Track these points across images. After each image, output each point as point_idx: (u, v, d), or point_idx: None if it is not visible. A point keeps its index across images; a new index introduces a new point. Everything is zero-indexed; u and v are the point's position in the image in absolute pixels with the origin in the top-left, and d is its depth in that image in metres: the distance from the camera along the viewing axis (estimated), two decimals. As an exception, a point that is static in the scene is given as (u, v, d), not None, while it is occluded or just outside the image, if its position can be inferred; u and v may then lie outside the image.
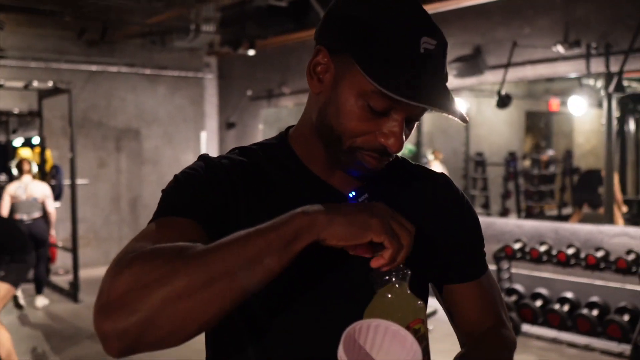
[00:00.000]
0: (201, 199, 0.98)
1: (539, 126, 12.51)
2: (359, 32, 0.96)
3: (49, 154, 8.35)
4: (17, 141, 9.03)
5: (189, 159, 10.24)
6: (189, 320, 0.80)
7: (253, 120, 9.95)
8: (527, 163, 10.80)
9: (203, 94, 10.46)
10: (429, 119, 9.59)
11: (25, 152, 8.74)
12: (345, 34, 0.98)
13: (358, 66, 0.93)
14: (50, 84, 7.16)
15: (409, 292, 0.88)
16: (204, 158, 1.07)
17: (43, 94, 8.00)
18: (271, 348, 1.02)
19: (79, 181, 8.23)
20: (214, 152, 10.55)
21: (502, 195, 10.04)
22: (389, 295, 0.87)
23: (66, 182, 7.96)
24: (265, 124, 10.02)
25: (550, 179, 10.36)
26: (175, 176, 1.04)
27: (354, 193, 1.07)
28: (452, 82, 6.94)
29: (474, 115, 9.24)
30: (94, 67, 9.10)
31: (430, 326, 4.66)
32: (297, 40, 8.77)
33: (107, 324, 0.79)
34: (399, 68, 0.93)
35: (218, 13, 8.91)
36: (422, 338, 0.85)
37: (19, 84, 7.15)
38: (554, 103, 11.15)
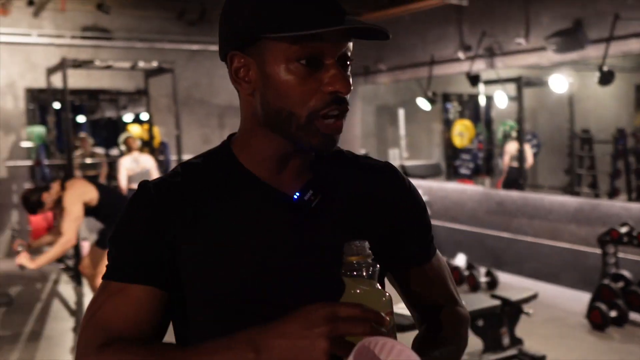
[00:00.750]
0: (145, 258, 1.02)
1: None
2: (256, 12, 0.97)
3: (156, 130, 8.69)
4: (127, 117, 9.43)
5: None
6: None
7: (351, 97, 9.89)
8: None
9: (302, 70, 10.54)
10: (531, 95, 9.26)
11: (134, 129, 9.15)
12: (244, 23, 0.99)
13: (270, 36, 0.96)
14: (154, 64, 7.40)
15: (377, 286, 0.90)
16: (140, 192, 1.07)
17: (149, 73, 8.30)
18: None
19: (185, 157, 8.52)
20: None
21: (611, 175, 9.59)
22: (358, 291, 0.88)
23: (173, 157, 8.25)
24: (364, 100, 10.00)
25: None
26: (114, 234, 1.07)
27: (298, 194, 1.07)
28: (552, 57, 6.68)
29: (577, 90, 8.84)
30: (195, 47, 9.34)
31: (530, 310, 4.56)
32: (393, 15, 8.64)
33: None
34: (300, 12, 0.94)
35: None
36: (392, 329, 0.87)
37: (126, 64, 7.44)
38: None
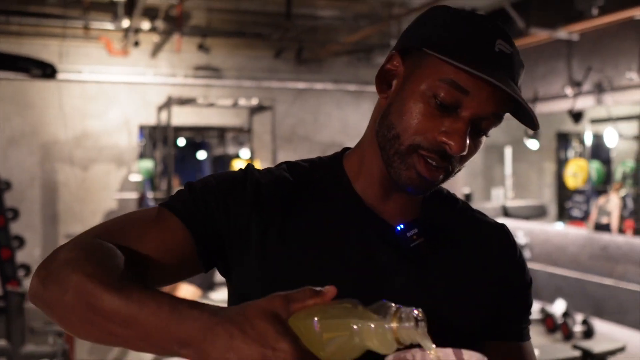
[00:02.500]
0: (207, 212, 0.97)
1: None
2: (436, 29, 0.96)
3: (257, 165, 8.94)
4: (242, 153, 9.76)
5: (391, 173, 10.32)
6: (75, 330, 0.83)
7: (456, 135, 9.78)
8: None
9: (407, 108, 10.51)
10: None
11: (237, 164, 9.47)
12: (421, 32, 0.97)
13: (432, 52, 0.92)
14: (254, 101, 7.65)
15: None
16: (246, 170, 1.04)
17: (253, 111, 8.58)
18: None
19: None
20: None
21: None
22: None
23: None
24: (471, 138, 9.80)
25: None
26: (203, 178, 1.03)
27: (402, 226, 1.00)
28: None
29: None
30: (301, 85, 9.56)
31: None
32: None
33: (34, 278, 0.86)
34: (473, 57, 0.90)
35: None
36: None
37: (228, 101, 7.74)
38: None
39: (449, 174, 0.96)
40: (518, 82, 0.96)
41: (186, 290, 4.91)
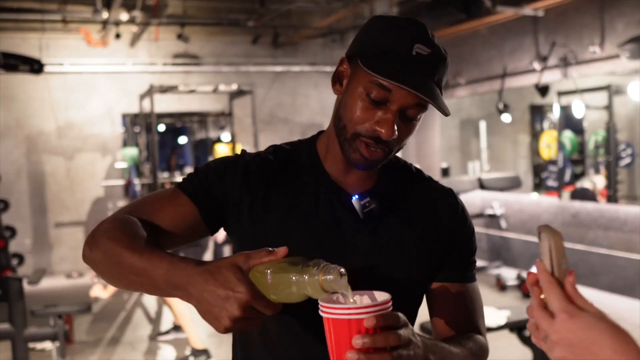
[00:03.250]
0: (208, 189, 1.26)
1: None
2: (366, 40, 1.20)
3: (239, 148, 9.17)
4: (223, 137, 10.00)
5: (370, 152, 10.57)
6: (110, 279, 1.18)
7: (430, 110, 9.99)
8: None
9: (383, 87, 10.74)
10: (629, 104, 8.98)
11: (220, 148, 9.67)
12: (357, 42, 1.22)
13: (360, 63, 1.15)
14: (234, 86, 7.86)
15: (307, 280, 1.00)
16: (239, 155, 1.32)
17: (232, 96, 8.78)
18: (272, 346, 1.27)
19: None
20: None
21: None
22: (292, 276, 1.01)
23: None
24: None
25: None
26: (206, 163, 1.32)
27: (357, 196, 1.25)
28: (626, 65, 6.53)
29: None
30: (279, 68, 9.77)
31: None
32: (469, 30, 8.71)
33: (85, 244, 1.19)
34: (392, 62, 1.13)
35: (393, 8, 9.11)
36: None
37: (209, 87, 7.94)
38: None
39: (387, 153, 1.20)
40: (439, 75, 1.16)
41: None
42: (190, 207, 1.24)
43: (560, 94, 8.40)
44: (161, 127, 12.51)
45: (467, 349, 1.22)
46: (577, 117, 8.67)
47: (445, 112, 1.15)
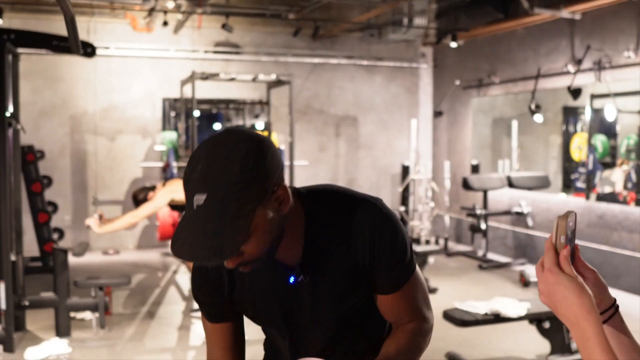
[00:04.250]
0: (215, 305, 1.51)
1: None
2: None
3: (274, 137, 9.41)
4: (258, 125, 10.26)
5: (402, 145, 10.76)
6: None
7: (464, 108, 10.17)
8: None
9: (418, 83, 10.90)
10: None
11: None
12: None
13: None
14: (273, 76, 8.09)
15: None
16: (203, 270, 1.51)
17: (270, 85, 9.02)
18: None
19: (299, 162, 9.17)
20: (427, 139, 10.96)
21: None
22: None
23: (286, 162, 8.90)
24: (480, 112, 10.17)
25: None
26: (192, 289, 1.53)
27: (292, 278, 1.43)
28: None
29: None
30: (316, 60, 9.99)
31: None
32: (506, 29, 8.84)
33: None
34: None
35: (432, 5, 9.28)
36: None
37: (248, 76, 8.18)
38: None
39: (246, 262, 1.28)
40: (214, 218, 1.17)
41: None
42: (225, 325, 1.53)
43: (594, 96, 8.47)
44: (196, 113, 12.79)
45: (403, 349, 1.44)
46: (609, 120, 8.74)
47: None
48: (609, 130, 10.01)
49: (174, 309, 6.36)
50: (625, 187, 8.67)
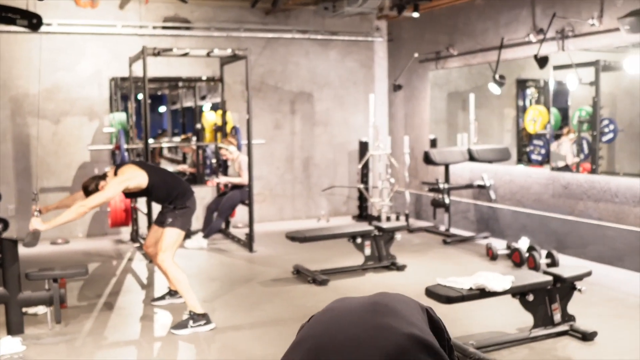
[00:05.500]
0: None
1: None
2: None
3: (229, 116, 9.08)
4: (206, 106, 9.91)
5: (358, 121, 10.57)
6: None
7: (421, 82, 10.03)
8: None
9: (373, 57, 10.70)
10: (610, 80, 9.07)
11: (210, 115, 9.57)
12: None
13: None
14: (229, 51, 7.75)
15: None
16: None
17: (224, 61, 8.67)
18: None
19: (256, 141, 8.88)
20: (383, 114, 10.80)
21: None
22: None
23: (244, 141, 8.59)
24: (435, 86, 10.05)
25: None
26: None
27: None
28: (625, 38, 6.57)
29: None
30: (270, 35, 9.68)
31: (583, 287, 4.60)
32: (465, 1, 8.70)
33: None
34: None
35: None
36: None
37: (203, 51, 7.82)
38: None
39: None
40: None
41: (171, 232, 5.13)
42: None
43: (555, 67, 8.41)
44: (140, 96, 12.32)
45: None
46: (571, 89, 8.71)
47: None
48: (559, 104, 10.04)
49: (133, 298, 6.04)
50: (577, 156, 8.72)
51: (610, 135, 9.46)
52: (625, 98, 9.87)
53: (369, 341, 1.39)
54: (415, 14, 8.64)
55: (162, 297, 5.78)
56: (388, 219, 9.18)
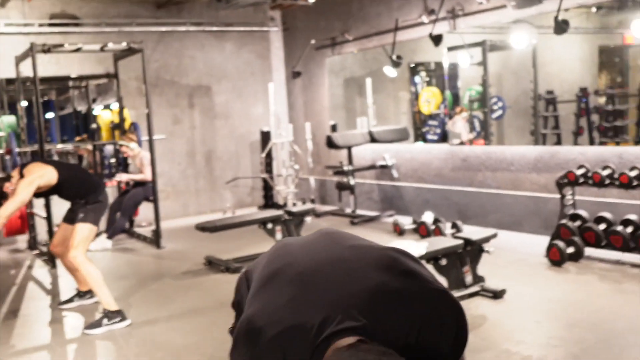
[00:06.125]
0: None
1: (614, 61, 12.11)
2: None
3: (126, 113, 8.84)
4: (97, 109, 9.58)
5: (258, 111, 10.57)
6: None
7: (319, 69, 10.14)
8: (601, 100, 10.51)
9: (269, 47, 10.72)
10: (496, 60, 9.52)
11: (105, 114, 9.28)
12: None
13: None
14: (124, 44, 7.55)
15: None
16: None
17: (118, 56, 8.43)
18: None
19: (156, 137, 8.69)
20: (282, 103, 10.83)
21: (574, 133, 9.87)
22: None
23: (144, 138, 8.40)
24: (332, 73, 10.19)
25: (624, 114, 10.09)
26: None
27: None
28: (512, 14, 6.91)
29: (543, 53, 9.10)
30: (163, 28, 9.50)
31: (491, 248, 4.82)
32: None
33: None
34: None
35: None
36: None
37: (96, 46, 7.57)
38: (629, 36, 10.74)
39: None
40: None
41: (83, 228, 4.96)
42: None
43: (449, 49, 8.71)
44: (24, 104, 11.77)
45: None
46: (463, 68, 9.05)
47: None
48: (451, 84, 10.45)
49: (38, 304, 5.77)
50: (471, 132, 9.13)
51: (500, 112, 9.93)
52: (510, 77, 10.38)
53: (357, 255, 1.44)
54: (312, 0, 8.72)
55: (71, 300, 5.56)
56: (294, 205, 9.24)
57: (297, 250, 1.54)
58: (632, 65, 11.91)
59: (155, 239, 7.76)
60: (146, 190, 8.12)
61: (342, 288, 1.30)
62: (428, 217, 7.14)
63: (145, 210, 8.87)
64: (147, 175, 7.99)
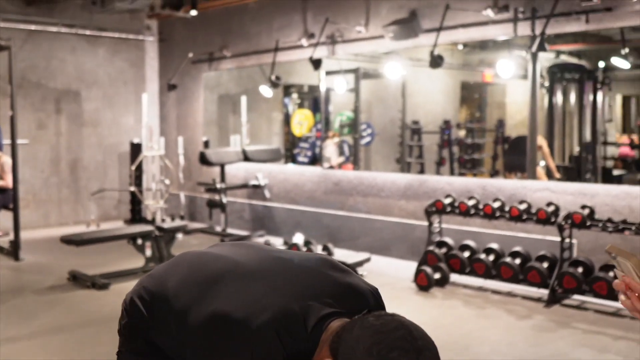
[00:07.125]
0: None
1: (474, 96, 12.91)
2: None
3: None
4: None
5: (129, 122, 10.26)
6: None
7: (194, 84, 10.02)
8: (462, 133, 11.16)
9: (144, 57, 10.46)
10: (367, 88, 9.85)
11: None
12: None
13: None
14: (-12, 40, 7.09)
15: None
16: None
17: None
18: None
19: (19, 141, 8.19)
20: (154, 116, 10.58)
21: (437, 162, 10.40)
22: None
23: (6, 141, 7.90)
24: (207, 89, 10.10)
25: (481, 148, 10.78)
26: None
27: None
28: (389, 45, 7.20)
29: (410, 85, 9.53)
30: (32, 27, 9.01)
31: (364, 272, 4.96)
32: (238, 3, 8.88)
33: None
34: None
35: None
36: None
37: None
38: (488, 74, 11.51)
39: None
40: None
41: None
42: None
43: (327, 73, 8.90)
44: None
45: None
46: (339, 92, 9.26)
47: None
48: (321, 107, 10.72)
49: None
50: (340, 156, 9.40)
51: (369, 139, 10.28)
52: (379, 105, 10.79)
53: (300, 257, 1.50)
54: (194, 12, 8.62)
55: None
56: (163, 221, 9.01)
57: (225, 255, 1.55)
58: (490, 101, 12.77)
59: (14, 250, 7.28)
60: (5, 198, 7.62)
61: (306, 281, 1.40)
62: (299, 239, 7.22)
63: (2, 219, 8.31)
64: (8, 183, 7.52)
